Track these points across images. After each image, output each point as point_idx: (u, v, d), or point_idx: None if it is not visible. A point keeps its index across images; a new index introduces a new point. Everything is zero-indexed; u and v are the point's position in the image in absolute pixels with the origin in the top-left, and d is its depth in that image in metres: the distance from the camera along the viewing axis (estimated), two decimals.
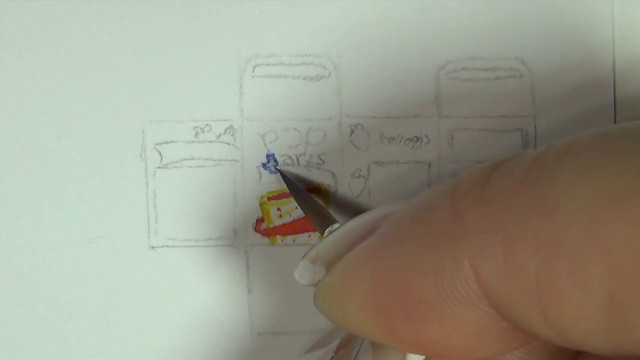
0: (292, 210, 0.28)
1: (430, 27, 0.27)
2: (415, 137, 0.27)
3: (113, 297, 0.28)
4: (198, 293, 0.28)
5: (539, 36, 0.27)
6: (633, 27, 0.27)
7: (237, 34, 0.27)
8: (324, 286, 0.21)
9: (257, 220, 0.28)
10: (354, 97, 0.27)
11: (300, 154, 0.28)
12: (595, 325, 0.17)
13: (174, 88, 0.27)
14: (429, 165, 0.27)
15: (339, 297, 0.20)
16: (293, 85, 0.27)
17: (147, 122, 0.28)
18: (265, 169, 0.28)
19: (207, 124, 0.28)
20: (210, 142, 0.28)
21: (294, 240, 0.28)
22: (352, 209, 0.28)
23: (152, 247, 0.28)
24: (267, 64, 0.27)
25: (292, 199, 0.27)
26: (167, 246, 0.28)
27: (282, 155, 0.28)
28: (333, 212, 0.27)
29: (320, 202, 0.27)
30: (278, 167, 0.28)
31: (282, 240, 0.28)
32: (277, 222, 0.28)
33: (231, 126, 0.28)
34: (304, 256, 0.22)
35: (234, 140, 0.28)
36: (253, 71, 0.27)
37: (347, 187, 0.28)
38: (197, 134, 0.28)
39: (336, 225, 0.24)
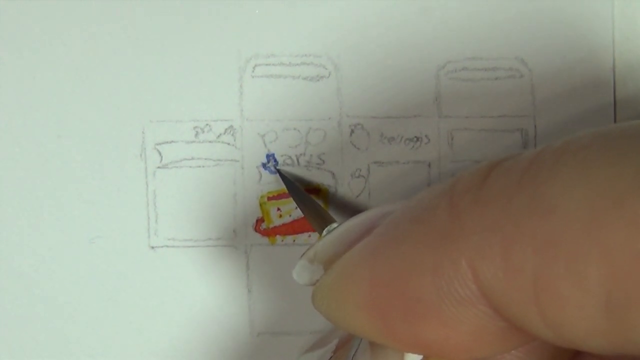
0: (292, 210, 0.28)
1: (430, 27, 0.27)
2: (415, 137, 0.27)
3: (113, 297, 0.28)
4: (198, 293, 0.28)
5: (539, 36, 0.27)
6: (633, 27, 0.27)
7: (237, 34, 0.27)
8: (322, 286, 0.21)
9: (257, 220, 0.28)
10: (354, 97, 0.27)
11: (300, 154, 0.28)
12: (593, 325, 0.17)
13: (174, 88, 0.27)
14: (429, 165, 0.27)
15: (337, 296, 0.20)
16: (293, 85, 0.27)
17: (147, 122, 0.28)
18: (265, 169, 0.28)
19: (207, 124, 0.28)
20: (210, 142, 0.28)
21: (294, 240, 0.28)
22: (352, 209, 0.28)
23: (152, 247, 0.28)
24: (267, 64, 0.27)
25: (292, 199, 0.27)
26: (167, 246, 0.28)
27: (282, 155, 0.28)
28: (333, 213, 0.27)
29: (320, 202, 0.27)
30: (277, 168, 0.28)
31: (282, 240, 0.28)
32: (277, 222, 0.28)
33: (231, 126, 0.28)
34: (302, 256, 0.22)
35: (234, 140, 0.28)
36: (253, 71, 0.27)
37: (347, 187, 0.28)
38: (197, 134, 0.28)
39: (334, 225, 0.24)
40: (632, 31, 0.27)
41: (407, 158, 0.27)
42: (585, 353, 0.21)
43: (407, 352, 0.21)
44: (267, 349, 0.28)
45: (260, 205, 0.28)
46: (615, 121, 0.27)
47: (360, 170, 0.28)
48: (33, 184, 0.28)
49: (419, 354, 0.20)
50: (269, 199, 0.28)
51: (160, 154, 0.28)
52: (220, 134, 0.28)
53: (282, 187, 0.27)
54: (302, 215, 0.27)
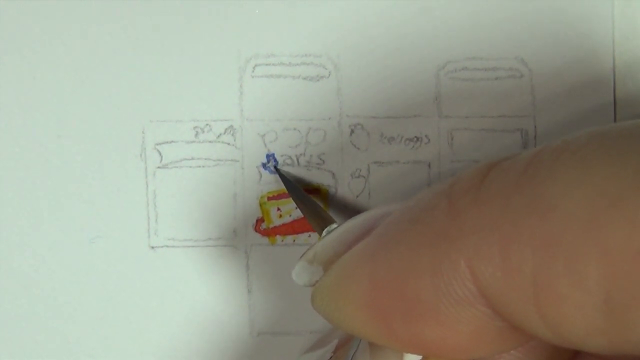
0: (292, 210, 0.28)
1: (430, 27, 0.27)
2: (415, 137, 0.27)
3: (113, 297, 0.28)
4: (198, 293, 0.28)
5: (539, 36, 0.27)
6: (633, 27, 0.27)
7: (237, 34, 0.27)
8: (321, 287, 0.21)
9: (257, 220, 0.28)
10: (354, 97, 0.27)
11: (300, 154, 0.28)
12: (592, 324, 0.17)
13: (174, 88, 0.28)
14: (429, 165, 0.27)
15: (337, 297, 0.20)
16: (293, 85, 0.27)
17: (147, 122, 0.28)
18: (265, 169, 0.28)
19: (207, 124, 0.28)
20: (210, 142, 0.28)
21: (294, 240, 0.28)
22: (352, 210, 0.28)
23: (152, 247, 0.28)
24: (267, 64, 0.27)
25: (292, 199, 0.27)
26: (167, 246, 0.28)
27: (282, 155, 0.28)
28: (333, 213, 0.27)
29: (320, 202, 0.27)
30: (277, 168, 0.28)
31: (282, 240, 0.28)
32: (277, 222, 0.28)
33: (231, 126, 0.28)
34: (301, 257, 0.22)
35: (234, 140, 0.28)
36: (253, 71, 0.27)
37: (347, 187, 0.28)
38: (197, 134, 0.28)
39: (334, 226, 0.24)
40: (632, 31, 0.27)
41: (407, 158, 0.27)
42: (584, 353, 0.21)
43: (406, 352, 0.21)
44: (267, 349, 0.28)
45: (260, 205, 0.28)
46: (615, 121, 0.27)
47: (360, 170, 0.28)
48: (33, 184, 0.28)
49: (418, 354, 0.20)
50: (269, 199, 0.28)
51: (160, 154, 0.28)
52: (220, 134, 0.28)
53: (282, 187, 0.27)
54: (302, 216, 0.27)
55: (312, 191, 0.28)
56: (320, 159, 0.28)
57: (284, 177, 0.27)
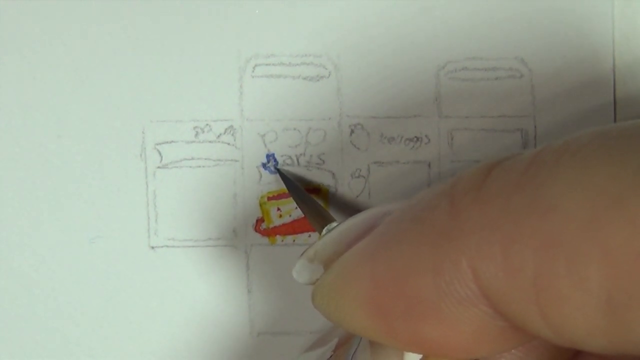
0: (292, 210, 0.28)
1: (430, 27, 0.27)
2: (415, 137, 0.27)
3: (113, 297, 0.28)
4: (198, 293, 0.28)
5: (539, 36, 0.27)
6: (633, 27, 0.27)
7: (237, 34, 0.27)
8: (321, 285, 0.21)
9: (257, 220, 0.28)
10: (354, 97, 0.27)
11: (300, 154, 0.28)
12: (593, 324, 0.17)
13: (174, 88, 0.28)
14: (429, 165, 0.27)
15: (337, 295, 0.20)
16: (293, 85, 0.28)
17: (147, 122, 0.28)
18: (265, 169, 0.28)
19: (207, 124, 0.28)
20: (210, 142, 0.28)
21: (294, 240, 0.28)
22: (352, 209, 0.28)
23: (152, 247, 0.28)
24: (267, 64, 0.27)
25: (292, 199, 0.27)
26: (167, 246, 0.28)
27: (282, 155, 0.28)
28: (333, 213, 0.27)
29: (320, 202, 0.27)
30: (277, 167, 0.28)
31: (282, 240, 0.28)
32: (277, 222, 0.28)
33: (231, 126, 0.28)
34: (302, 255, 0.22)
35: (234, 140, 0.28)
36: (253, 71, 0.27)
37: (347, 187, 0.28)
38: (197, 134, 0.28)
39: (335, 224, 0.24)
40: (632, 31, 0.27)
41: (407, 158, 0.27)
42: (585, 352, 0.21)
43: (407, 351, 0.21)
44: (267, 349, 0.28)
45: (260, 205, 0.28)
46: (615, 121, 0.27)
47: (360, 170, 0.28)
48: (33, 184, 0.28)
49: (419, 353, 0.20)
50: (269, 199, 0.28)
51: (160, 154, 0.28)
52: (220, 134, 0.28)
53: (282, 187, 0.27)
54: (302, 215, 0.27)
55: (313, 191, 0.28)
56: (320, 159, 0.28)
57: (285, 176, 0.27)
